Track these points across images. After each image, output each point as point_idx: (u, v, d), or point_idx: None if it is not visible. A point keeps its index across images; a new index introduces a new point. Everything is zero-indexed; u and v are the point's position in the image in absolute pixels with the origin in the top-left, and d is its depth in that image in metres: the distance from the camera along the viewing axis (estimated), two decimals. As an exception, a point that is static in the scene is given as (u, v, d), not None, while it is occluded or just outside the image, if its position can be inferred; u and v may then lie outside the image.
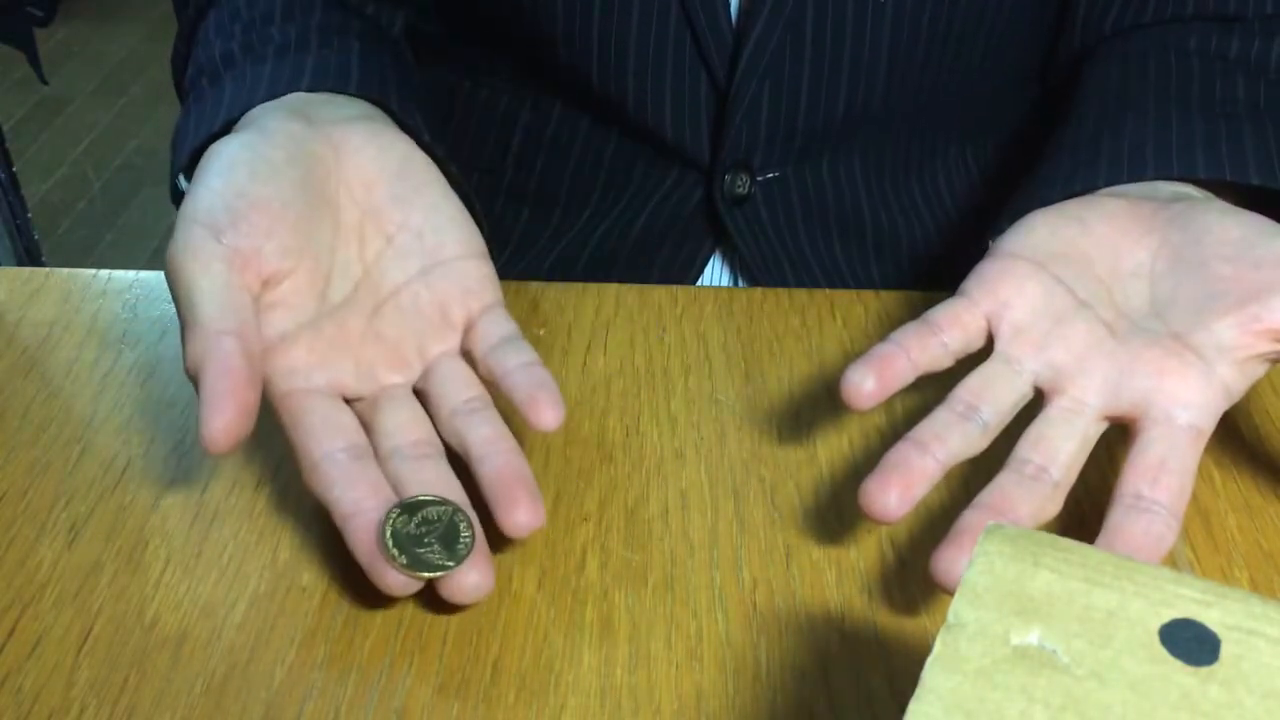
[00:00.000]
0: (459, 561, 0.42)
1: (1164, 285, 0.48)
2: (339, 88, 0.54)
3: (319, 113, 0.51)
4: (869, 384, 0.45)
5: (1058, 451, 0.44)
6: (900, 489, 0.43)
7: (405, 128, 0.53)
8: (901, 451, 0.44)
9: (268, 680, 0.42)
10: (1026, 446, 0.45)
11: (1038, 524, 0.43)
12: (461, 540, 0.43)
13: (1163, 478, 0.42)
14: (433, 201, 0.50)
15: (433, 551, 0.42)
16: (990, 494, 0.43)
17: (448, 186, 0.51)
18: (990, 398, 0.46)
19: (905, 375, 0.46)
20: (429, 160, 0.52)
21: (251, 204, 0.46)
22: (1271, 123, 0.55)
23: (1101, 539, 0.41)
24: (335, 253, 0.49)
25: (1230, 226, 0.47)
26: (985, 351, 0.48)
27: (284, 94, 0.53)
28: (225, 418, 0.41)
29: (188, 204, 0.46)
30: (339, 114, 0.52)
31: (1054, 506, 0.43)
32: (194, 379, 0.43)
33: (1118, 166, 0.53)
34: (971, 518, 0.42)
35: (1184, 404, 0.44)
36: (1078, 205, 0.51)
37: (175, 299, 0.45)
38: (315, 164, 0.49)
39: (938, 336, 0.47)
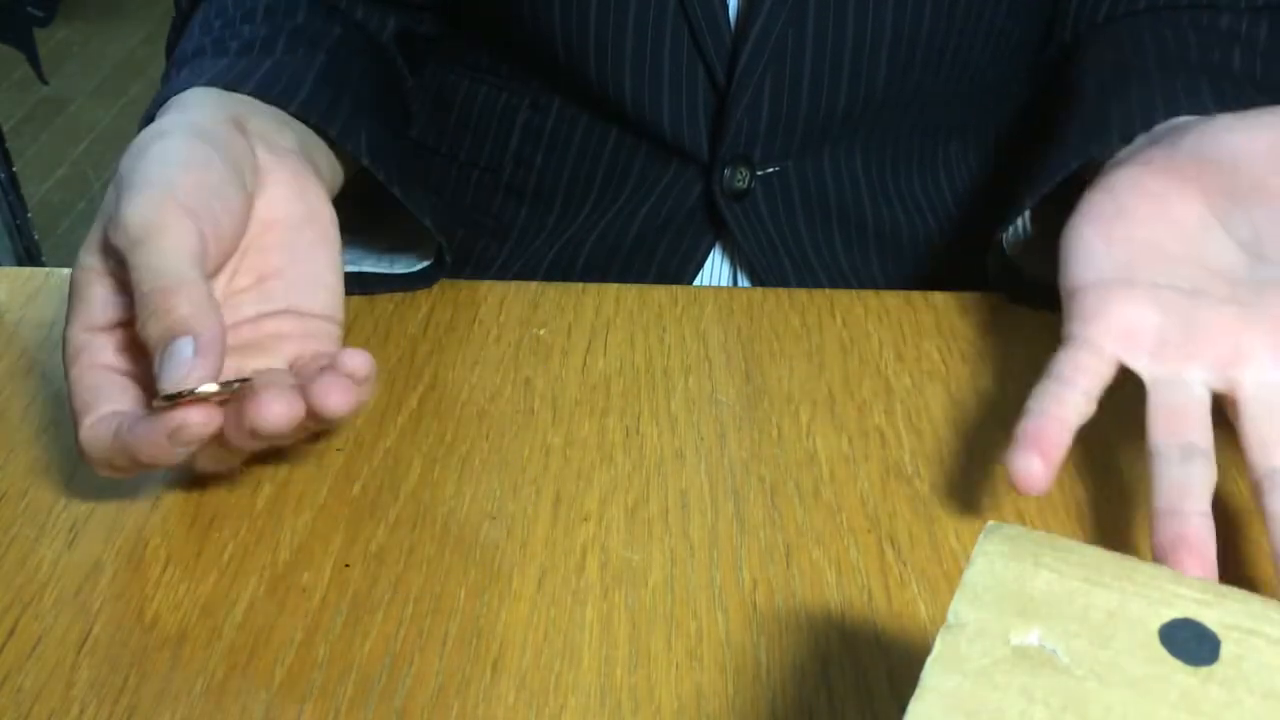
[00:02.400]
0: (236, 387, 0.43)
1: (1240, 226, 0.47)
2: (283, 99, 0.54)
3: (258, 127, 0.51)
4: (1036, 466, 0.43)
5: None
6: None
7: (343, 153, 0.55)
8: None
9: (268, 680, 0.42)
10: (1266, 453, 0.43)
11: None
12: (241, 381, 0.43)
13: None
14: (317, 267, 0.50)
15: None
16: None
17: (337, 252, 0.51)
18: (1197, 427, 0.44)
19: (1065, 442, 0.44)
20: (334, 219, 0.51)
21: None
22: (1267, 93, 0.56)
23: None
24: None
25: (1245, 139, 0.47)
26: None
27: (227, 86, 0.53)
28: None
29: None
30: (277, 140, 0.52)
31: None
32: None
33: (1129, 122, 0.53)
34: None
35: None
36: (1103, 195, 0.50)
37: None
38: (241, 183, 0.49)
39: (1074, 390, 0.46)
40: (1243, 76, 0.57)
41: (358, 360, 0.46)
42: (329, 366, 0.45)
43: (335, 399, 0.43)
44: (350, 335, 0.58)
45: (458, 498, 0.49)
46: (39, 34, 1.92)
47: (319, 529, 0.47)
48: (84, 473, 0.50)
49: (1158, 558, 0.41)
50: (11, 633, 0.44)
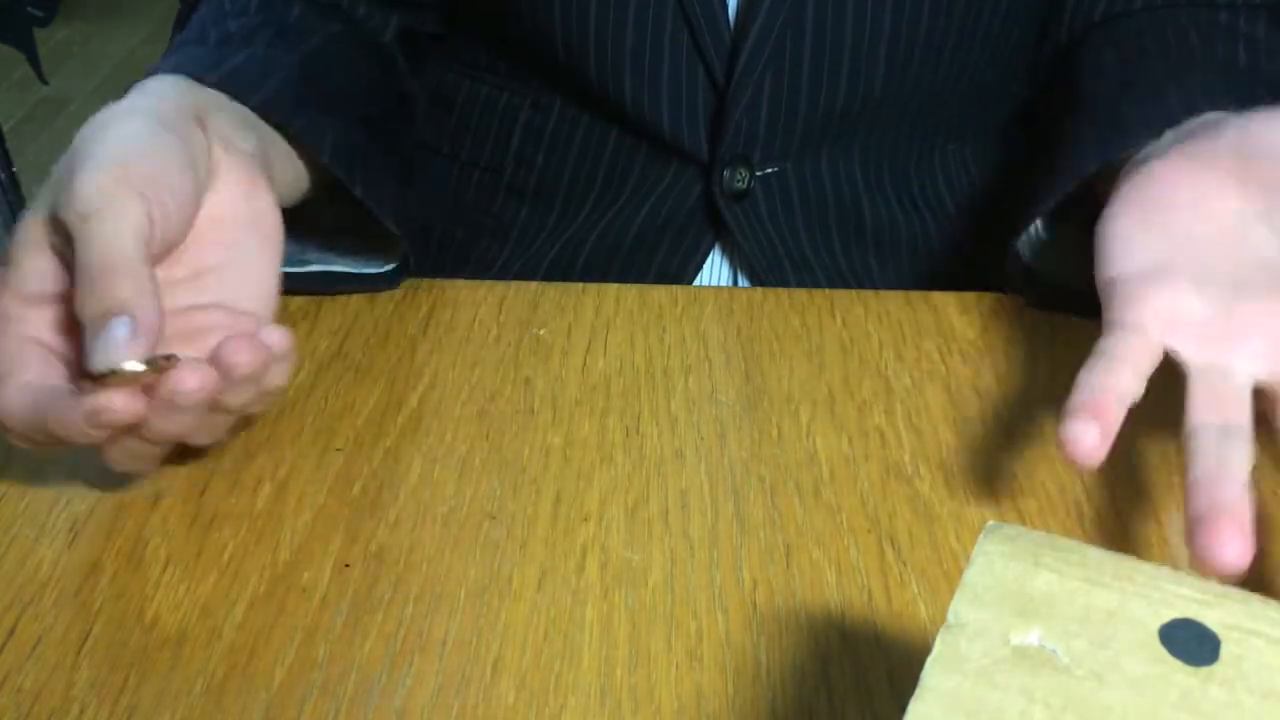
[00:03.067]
0: (159, 366, 0.43)
1: (1279, 220, 0.47)
2: (245, 94, 0.54)
3: (219, 124, 0.51)
4: (1092, 434, 0.41)
5: None
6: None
7: (303, 149, 0.55)
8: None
9: (268, 680, 0.42)
10: None
11: None
12: (165, 358, 0.43)
13: None
14: (255, 267, 0.50)
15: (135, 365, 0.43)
16: None
17: (278, 256, 0.51)
18: (1239, 409, 0.43)
19: (1119, 414, 0.43)
20: (280, 224, 0.51)
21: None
22: (1273, 89, 0.55)
23: None
24: None
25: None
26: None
27: (193, 76, 0.53)
28: None
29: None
30: (235, 139, 0.51)
31: None
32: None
33: (1150, 123, 0.53)
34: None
35: None
36: (1139, 186, 0.50)
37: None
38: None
39: (1125, 366, 0.44)
40: (1249, 71, 0.57)
41: (275, 335, 0.46)
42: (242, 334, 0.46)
43: (243, 356, 0.44)
44: (350, 335, 0.58)
45: (458, 498, 0.49)
46: (39, 34, 1.92)
47: (319, 529, 0.47)
48: (84, 473, 0.50)
49: (1190, 530, 0.39)
50: (11, 633, 0.44)
